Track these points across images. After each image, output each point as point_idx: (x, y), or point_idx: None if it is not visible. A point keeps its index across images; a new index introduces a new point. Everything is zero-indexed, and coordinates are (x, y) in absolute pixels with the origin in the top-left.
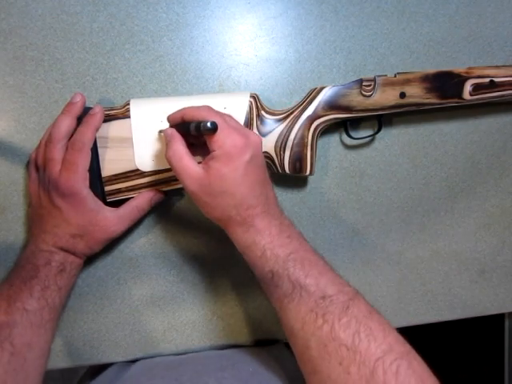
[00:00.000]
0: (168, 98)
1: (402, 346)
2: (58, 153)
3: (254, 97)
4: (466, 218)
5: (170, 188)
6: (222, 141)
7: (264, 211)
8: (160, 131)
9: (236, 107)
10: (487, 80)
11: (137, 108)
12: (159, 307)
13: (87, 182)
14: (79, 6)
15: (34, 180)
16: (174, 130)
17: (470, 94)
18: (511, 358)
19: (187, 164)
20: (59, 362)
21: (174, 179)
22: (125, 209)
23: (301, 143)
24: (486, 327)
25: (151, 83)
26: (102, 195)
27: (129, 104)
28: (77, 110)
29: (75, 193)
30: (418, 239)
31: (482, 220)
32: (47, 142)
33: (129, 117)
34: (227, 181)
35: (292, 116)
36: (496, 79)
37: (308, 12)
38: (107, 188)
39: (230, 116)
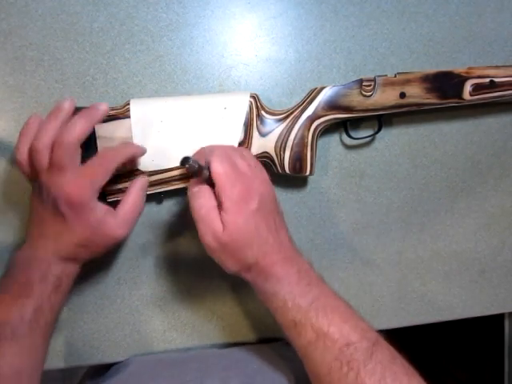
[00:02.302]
0: (168, 98)
1: None
2: (68, 158)
3: (254, 97)
4: (466, 218)
5: (170, 188)
6: (230, 191)
7: (281, 258)
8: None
9: (236, 107)
10: (487, 80)
11: (137, 108)
12: (159, 307)
13: (97, 195)
14: (79, 5)
15: (34, 181)
16: (202, 185)
17: (470, 94)
18: (511, 358)
19: (212, 217)
20: (59, 362)
21: (175, 179)
22: (125, 211)
23: (301, 143)
24: (486, 327)
25: (151, 83)
26: (102, 195)
27: (129, 104)
28: (96, 116)
29: (84, 204)
30: (418, 239)
31: (482, 220)
32: (55, 144)
33: (129, 117)
34: (244, 233)
35: (292, 116)
36: (496, 79)
37: (308, 12)
38: (107, 188)
39: (242, 157)
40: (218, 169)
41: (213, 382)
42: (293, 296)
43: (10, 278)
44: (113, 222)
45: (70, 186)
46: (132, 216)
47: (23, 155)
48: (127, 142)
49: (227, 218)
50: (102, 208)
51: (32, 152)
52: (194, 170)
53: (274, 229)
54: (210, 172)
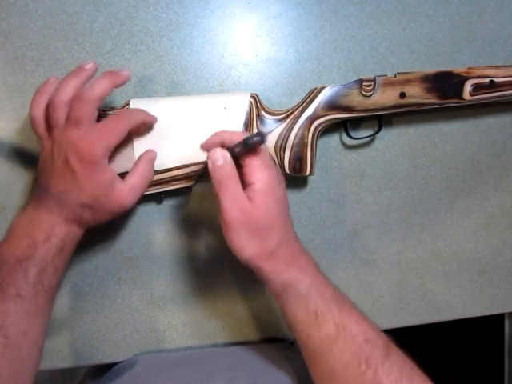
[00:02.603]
0: (168, 98)
1: None
2: (86, 114)
3: (254, 97)
4: (466, 218)
5: (170, 188)
6: (262, 172)
7: (301, 248)
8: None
9: (236, 107)
10: (487, 80)
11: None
12: (159, 307)
13: (108, 155)
14: (79, 5)
15: (47, 139)
16: (225, 152)
17: (470, 94)
18: (511, 358)
19: (238, 191)
20: (59, 362)
21: (175, 179)
22: (133, 180)
23: (301, 143)
24: (485, 327)
25: (151, 83)
26: None
27: (129, 104)
28: (119, 79)
29: (95, 161)
30: (417, 239)
31: (482, 220)
32: (75, 99)
33: None
34: (273, 214)
35: (292, 116)
36: (496, 79)
37: (308, 12)
38: None
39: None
40: (260, 153)
41: (218, 382)
42: (315, 284)
43: (13, 238)
44: (120, 187)
45: (84, 141)
46: (139, 186)
47: (38, 111)
48: (139, 108)
49: (258, 196)
50: (111, 171)
51: (50, 107)
52: (253, 148)
53: (290, 221)
54: (242, 153)
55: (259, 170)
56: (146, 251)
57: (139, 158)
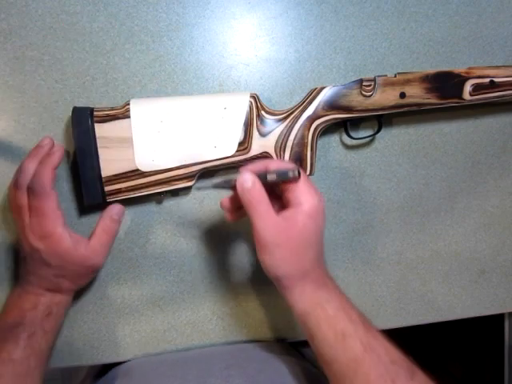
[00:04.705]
0: (168, 98)
1: None
2: (25, 199)
3: (254, 97)
4: (466, 218)
5: (170, 188)
6: (312, 196)
7: (328, 272)
8: (199, 188)
9: (236, 107)
10: (487, 80)
11: (137, 108)
12: (159, 307)
13: (60, 221)
14: (79, 5)
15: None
16: (253, 176)
17: (470, 94)
18: (511, 358)
19: (269, 211)
20: (59, 361)
21: (175, 179)
22: (95, 239)
23: (301, 143)
24: (486, 327)
25: (151, 83)
26: (102, 195)
27: (129, 104)
28: (43, 153)
29: (49, 235)
30: (417, 239)
31: (481, 220)
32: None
33: (129, 117)
34: (312, 234)
35: (292, 116)
36: (496, 79)
37: (308, 12)
38: (107, 188)
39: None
40: (306, 177)
41: (216, 380)
42: (343, 306)
43: (6, 312)
44: (84, 251)
45: (32, 223)
46: (105, 241)
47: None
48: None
49: (302, 217)
50: (72, 237)
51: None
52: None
53: (323, 247)
54: (299, 175)
55: (308, 193)
56: (145, 251)
57: (101, 215)
